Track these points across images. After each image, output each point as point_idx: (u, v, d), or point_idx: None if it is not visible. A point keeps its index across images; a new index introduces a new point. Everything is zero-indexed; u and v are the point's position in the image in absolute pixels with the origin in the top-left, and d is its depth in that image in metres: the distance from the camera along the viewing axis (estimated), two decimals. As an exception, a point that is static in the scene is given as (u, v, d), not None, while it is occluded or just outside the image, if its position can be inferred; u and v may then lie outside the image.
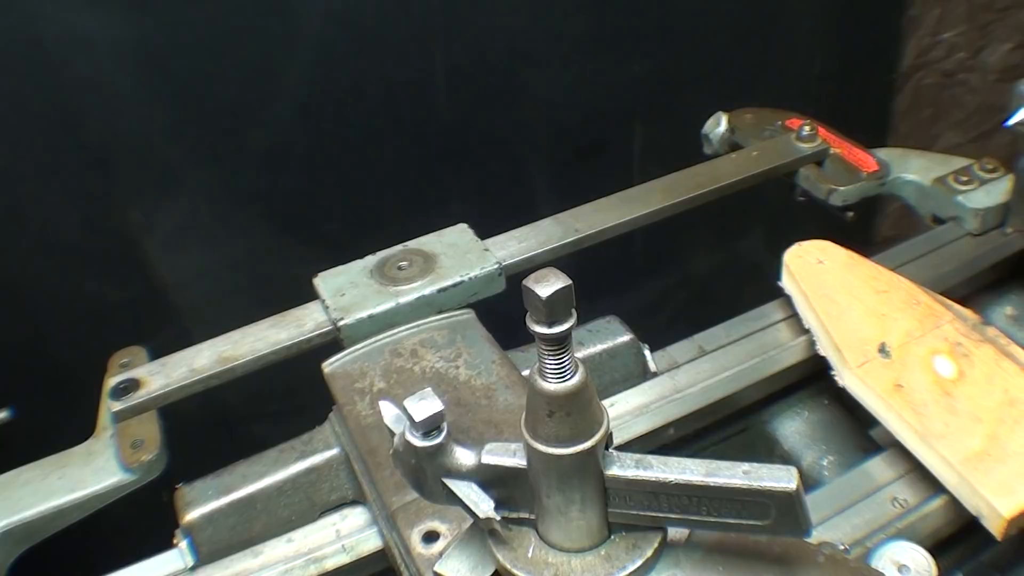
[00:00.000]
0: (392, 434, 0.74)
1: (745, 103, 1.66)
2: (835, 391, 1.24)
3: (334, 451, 1.14)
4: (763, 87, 1.68)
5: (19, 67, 1.64)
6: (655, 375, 1.31)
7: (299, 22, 1.85)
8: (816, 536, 0.91)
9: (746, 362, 1.31)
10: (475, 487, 0.75)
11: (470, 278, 1.26)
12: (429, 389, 0.72)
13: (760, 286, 1.40)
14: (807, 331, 1.28)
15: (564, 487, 0.72)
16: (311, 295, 1.25)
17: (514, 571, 0.76)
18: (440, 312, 1.22)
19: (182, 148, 1.87)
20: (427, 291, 1.23)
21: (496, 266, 1.27)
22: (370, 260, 1.29)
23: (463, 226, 1.34)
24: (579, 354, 0.86)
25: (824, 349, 1.24)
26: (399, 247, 1.30)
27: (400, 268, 1.26)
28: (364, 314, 1.20)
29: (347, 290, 1.24)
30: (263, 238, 2.04)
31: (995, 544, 1.05)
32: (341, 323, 1.19)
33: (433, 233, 1.31)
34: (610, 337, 1.30)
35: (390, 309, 1.21)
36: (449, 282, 1.23)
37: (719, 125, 1.63)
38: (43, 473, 1.18)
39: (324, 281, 1.26)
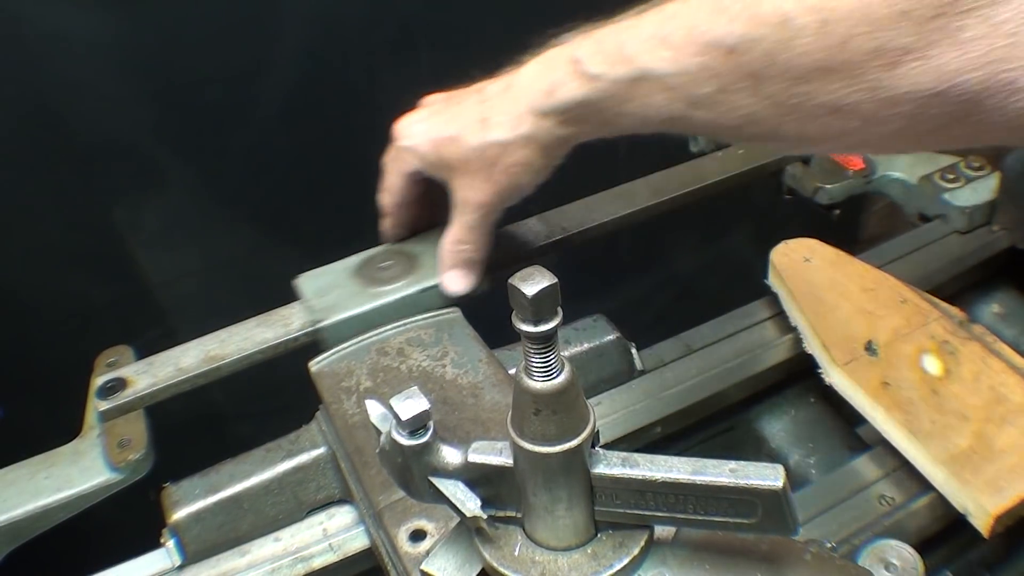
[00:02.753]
0: (378, 433, 0.74)
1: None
2: (822, 389, 1.25)
3: (321, 450, 1.13)
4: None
5: (2, 67, 1.64)
6: (642, 373, 1.31)
7: (284, 21, 1.84)
8: (803, 534, 0.91)
9: (733, 360, 1.32)
10: (462, 486, 0.75)
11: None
12: (415, 388, 0.72)
13: (747, 284, 1.40)
14: (793, 329, 1.28)
15: (550, 485, 0.72)
16: (297, 294, 1.25)
17: (501, 569, 0.76)
18: (423, 312, 1.22)
19: (167, 148, 1.87)
20: (409, 291, 1.22)
21: None
22: (352, 260, 1.28)
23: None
24: (565, 352, 0.85)
25: (811, 347, 1.25)
26: (381, 247, 1.30)
27: (382, 268, 1.26)
28: (346, 315, 1.20)
29: (329, 291, 1.24)
30: (249, 237, 2.04)
31: (982, 542, 1.06)
32: (322, 324, 1.19)
33: (414, 237, 1.31)
34: (596, 335, 1.30)
35: (372, 310, 1.21)
36: (431, 282, 1.23)
37: (706, 124, 1.63)
38: (29, 473, 1.18)
39: (306, 282, 1.26)
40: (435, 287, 1.23)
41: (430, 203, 1.26)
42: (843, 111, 0.81)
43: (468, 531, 0.79)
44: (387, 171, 1.24)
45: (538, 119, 1.06)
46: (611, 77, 0.96)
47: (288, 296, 1.25)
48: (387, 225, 1.30)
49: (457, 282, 1.21)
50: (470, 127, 1.11)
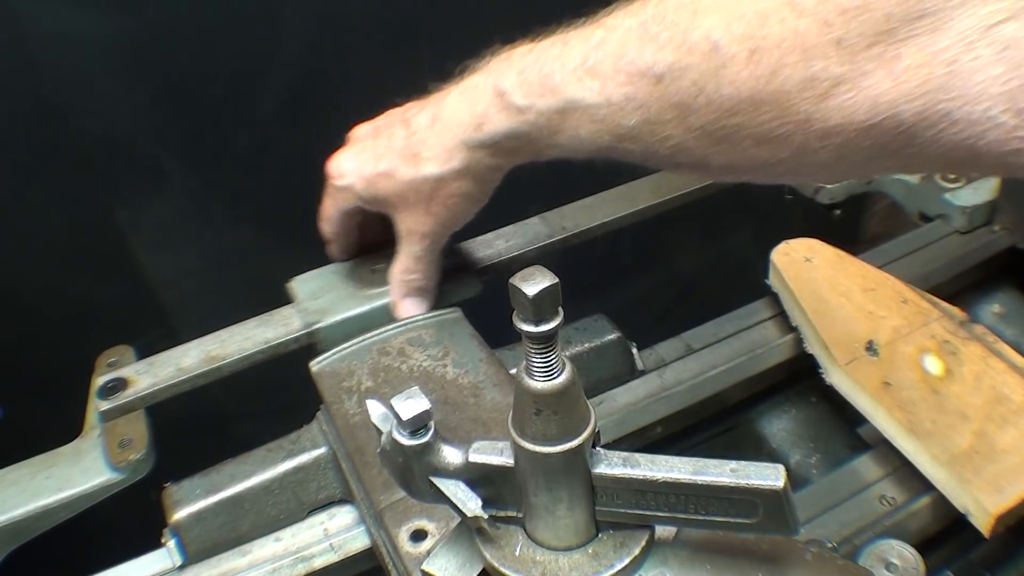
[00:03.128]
0: (379, 433, 0.74)
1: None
2: (823, 389, 1.25)
3: (322, 450, 1.13)
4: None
5: (2, 66, 1.64)
6: (642, 373, 1.31)
7: (285, 21, 1.84)
8: (804, 534, 0.91)
9: (733, 360, 1.32)
10: (462, 486, 0.75)
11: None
12: (416, 388, 0.72)
13: (748, 284, 1.40)
14: (794, 329, 1.29)
15: (551, 485, 0.72)
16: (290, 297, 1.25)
17: (502, 569, 0.76)
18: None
19: (168, 147, 1.87)
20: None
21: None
22: (345, 263, 1.29)
23: None
24: (566, 352, 0.86)
25: (812, 347, 1.25)
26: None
27: (375, 271, 1.26)
28: (339, 317, 1.21)
29: (322, 293, 1.24)
30: (250, 237, 2.03)
31: (983, 542, 1.06)
32: (316, 327, 1.19)
33: None
34: (597, 335, 1.30)
35: (364, 312, 1.21)
36: None
37: (707, 123, 1.63)
38: (30, 473, 1.18)
39: (299, 284, 1.27)
40: None
41: (371, 229, 1.27)
42: (773, 142, 0.80)
43: (469, 531, 0.79)
44: (325, 205, 1.24)
45: (469, 151, 1.06)
46: (538, 108, 0.96)
47: (288, 296, 1.25)
48: (332, 251, 1.30)
49: (410, 309, 1.21)
50: (401, 162, 1.11)
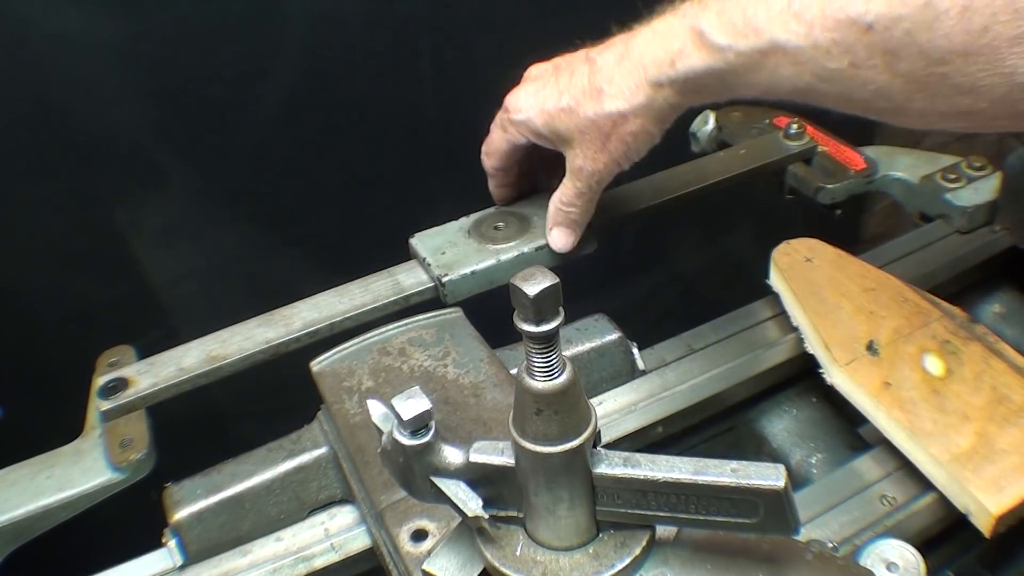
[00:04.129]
0: (380, 432, 0.74)
1: (733, 101, 1.65)
2: (823, 389, 1.25)
3: (322, 450, 1.14)
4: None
5: (4, 67, 1.64)
6: (643, 373, 1.31)
7: (286, 21, 1.84)
8: (804, 534, 0.91)
9: (734, 360, 1.32)
10: (463, 485, 0.75)
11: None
12: (417, 387, 0.72)
13: (748, 284, 1.40)
14: (795, 329, 1.28)
15: (552, 485, 0.72)
16: (299, 294, 1.25)
17: (502, 569, 0.76)
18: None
19: (169, 147, 1.87)
20: (525, 249, 1.24)
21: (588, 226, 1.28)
22: (464, 221, 1.30)
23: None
24: (567, 352, 0.86)
25: (812, 347, 1.25)
26: (492, 209, 1.32)
27: (497, 229, 1.27)
28: (467, 270, 1.21)
29: (447, 248, 1.25)
30: (250, 237, 2.03)
31: (983, 542, 1.06)
32: (445, 279, 1.19)
33: (524, 200, 1.33)
34: (598, 335, 1.30)
35: (491, 266, 1.22)
36: (545, 241, 1.24)
37: (707, 123, 1.63)
38: (32, 472, 1.18)
39: (421, 241, 1.27)
40: (548, 246, 1.24)
41: (532, 168, 1.29)
42: (976, 92, 0.82)
43: (470, 531, 0.79)
44: (494, 138, 1.25)
45: (655, 89, 1.06)
46: (738, 48, 0.96)
47: (290, 295, 1.25)
48: (493, 186, 1.31)
49: (561, 239, 1.23)
50: (584, 98, 1.12)
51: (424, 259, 1.24)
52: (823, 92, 0.94)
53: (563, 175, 1.19)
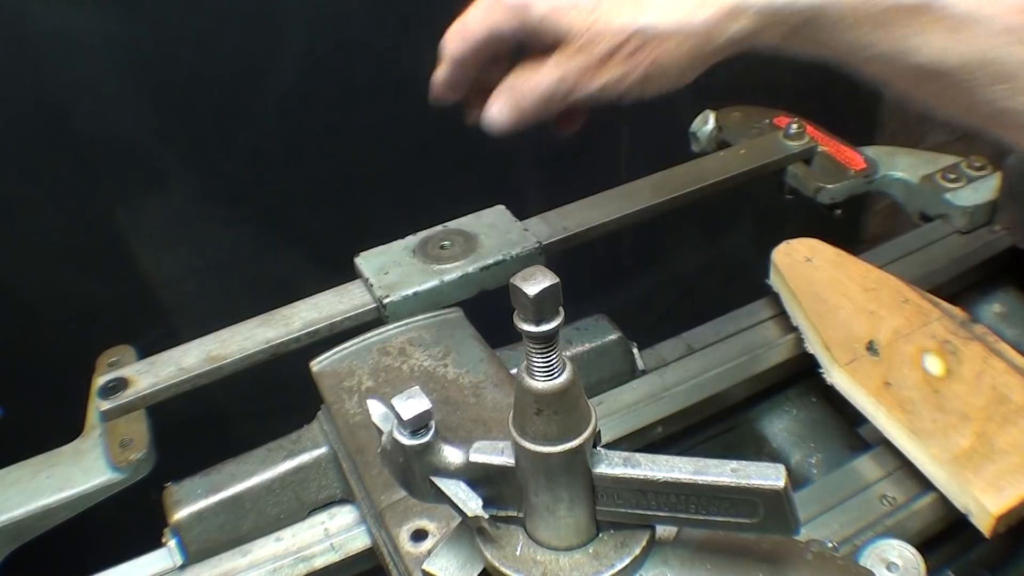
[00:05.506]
0: (380, 432, 0.74)
1: (733, 101, 1.65)
2: (823, 389, 1.25)
3: (322, 450, 1.13)
4: (751, 85, 1.68)
5: (4, 66, 1.64)
6: (643, 373, 1.31)
7: (285, 21, 1.84)
8: (804, 534, 0.91)
9: (734, 360, 1.32)
10: (463, 485, 0.75)
11: (511, 256, 1.27)
12: (417, 387, 0.71)
13: (748, 284, 1.40)
14: (795, 329, 1.28)
15: (552, 485, 0.72)
16: (299, 294, 1.25)
17: (502, 569, 0.76)
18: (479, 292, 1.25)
19: (169, 147, 1.86)
20: (470, 269, 1.25)
21: (536, 245, 1.29)
22: (411, 240, 1.31)
23: (501, 208, 1.36)
24: (567, 352, 0.85)
25: (812, 347, 1.25)
26: (439, 227, 1.33)
27: (443, 248, 1.28)
28: (409, 292, 1.22)
29: (390, 268, 1.26)
30: (250, 237, 2.03)
31: (983, 542, 1.06)
32: (387, 300, 1.21)
33: (471, 215, 1.33)
34: (598, 335, 1.30)
35: (434, 287, 1.23)
36: (491, 260, 1.25)
37: (707, 123, 1.63)
38: (31, 472, 1.18)
39: (366, 260, 1.28)
40: (496, 265, 1.25)
41: (498, 70, 1.04)
42: None
43: (470, 531, 0.79)
44: (471, 20, 1.01)
45: (726, 12, 0.86)
46: None
47: (290, 295, 1.25)
48: (439, 76, 1.08)
49: (500, 116, 1.01)
50: (617, 1, 0.90)
51: (368, 279, 1.24)
52: (976, 82, 0.80)
53: None
